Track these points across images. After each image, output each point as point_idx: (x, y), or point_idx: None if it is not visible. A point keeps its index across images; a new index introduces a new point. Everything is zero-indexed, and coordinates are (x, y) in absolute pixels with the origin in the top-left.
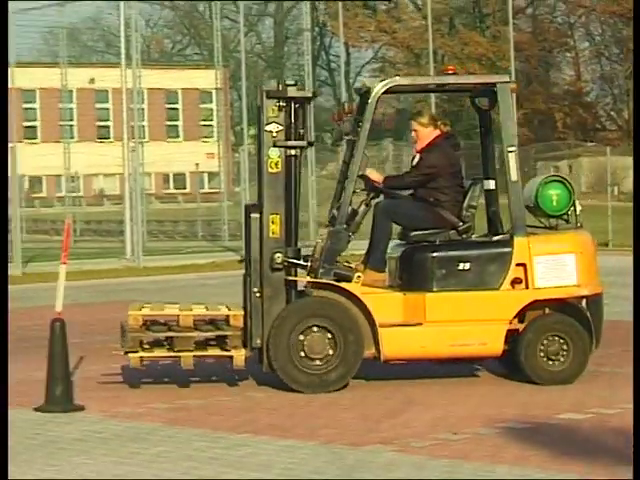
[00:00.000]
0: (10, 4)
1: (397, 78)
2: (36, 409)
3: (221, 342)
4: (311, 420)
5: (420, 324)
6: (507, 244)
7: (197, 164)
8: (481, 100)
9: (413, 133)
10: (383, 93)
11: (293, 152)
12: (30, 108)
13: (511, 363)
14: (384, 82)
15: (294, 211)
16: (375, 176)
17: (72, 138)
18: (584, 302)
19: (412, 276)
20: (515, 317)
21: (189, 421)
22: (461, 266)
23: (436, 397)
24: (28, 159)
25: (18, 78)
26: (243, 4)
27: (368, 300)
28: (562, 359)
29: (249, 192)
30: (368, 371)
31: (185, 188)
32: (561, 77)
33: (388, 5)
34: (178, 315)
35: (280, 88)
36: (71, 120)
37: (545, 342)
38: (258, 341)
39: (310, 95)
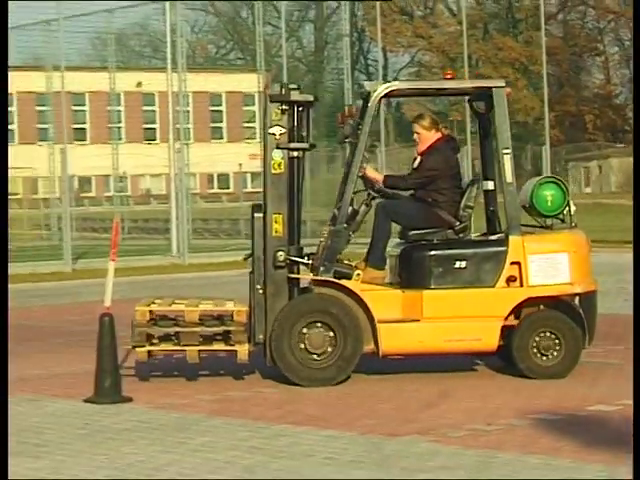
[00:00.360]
0: (59, 10)
1: (396, 82)
2: (85, 400)
3: (226, 337)
4: (350, 411)
5: (418, 320)
6: (502, 243)
7: (240, 164)
8: (478, 104)
9: (415, 136)
10: (383, 97)
11: (295, 154)
12: (80, 111)
13: (506, 358)
14: (384, 86)
15: (296, 211)
16: (374, 174)
17: (120, 140)
18: (577, 299)
19: (410, 274)
20: (510, 314)
21: (232, 412)
22: (458, 264)
23: (470, 390)
24: (78, 160)
25: (68, 82)
26: (285, 10)
27: (367, 297)
28: (554, 354)
29: None
30: (403, 365)
31: (229, 188)
32: (591, 80)
33: (424, 11)
34: (184, 310)
35: (283, 92)
36: (119, 122)
37: (537, 338)
38: (261, 336)
39: (312, 99)
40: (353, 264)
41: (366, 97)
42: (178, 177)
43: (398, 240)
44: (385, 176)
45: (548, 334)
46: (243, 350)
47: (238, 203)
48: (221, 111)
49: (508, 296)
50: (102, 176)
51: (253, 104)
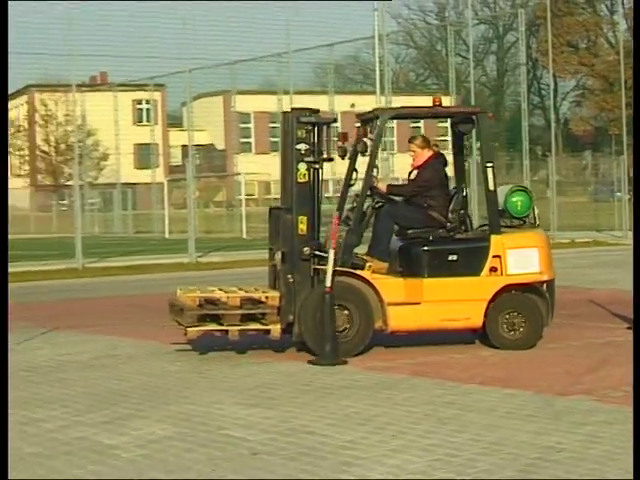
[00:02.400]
0: (289, 44)
1: (400, 107)
2: (309, 362)
3: (261, 318)
4: (525, 374)
5: (418, 303)
6: (486, 240)
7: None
8: (463, 126)
9: (411, 153)
10: (390, 118)
11: (316, 165)
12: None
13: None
14: (390, 111)
15: (317, 213)
16: (381, 186)
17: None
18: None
19: (411, 265)
20: (493, 297)
21: (429, 373)
22: (450, 257)
23: (626, 357)
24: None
25: (295, 103)
26: (472, 43)
27: (378, 284)
28: (520, 330)
29: (477, 194)
30: (571, 336)
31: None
32: None
33: (587, 44)
34: (228, 296)
35: (307, 115)
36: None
37: (507, 316)
38: (291, 317)
39: (330, 121)
40: (365, 257)
41: (372, 119)
42: (385, 180)
43: (395, 237)
44: (388, 185)
45: (515, 313)
46: (276, 329)
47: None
48: (419, 127)
49: (491, 283)
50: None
51: (446, 121)
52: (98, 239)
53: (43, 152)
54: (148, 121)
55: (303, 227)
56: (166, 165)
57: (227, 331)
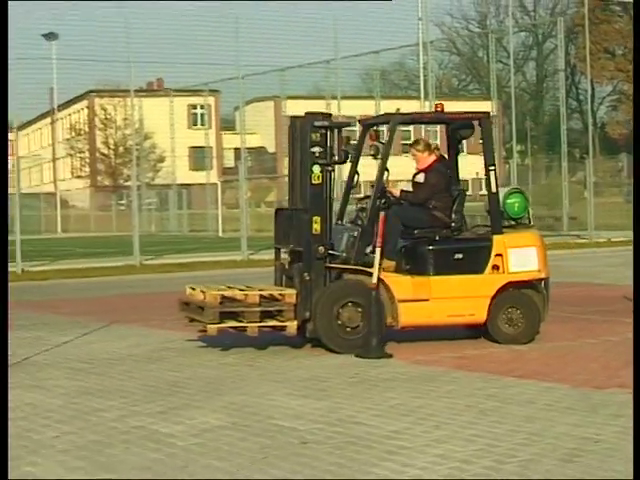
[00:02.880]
0: (337, 51)
1: (408, 113)
2: (356, 355)
3: (277, 315)
4: (564, 368)
5: (427, 300)
6: (489, 239)
7: (477, 172)
8: (463, 130)
9: (412, 157)
10: (399, 123)
11: (329, 168)
12: (352, 130)
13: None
14: (399, 116)
15: (329, 213)
16: (395, 191)
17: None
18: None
19: (419, 263)
20: (495, 294)
21: (470, 367)
22: (455, 256)
23: None
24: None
25: (342, 108)
26: (512, 50)
27: (389, 281)
28: (519, 325)
29: None
30: (609, 331)
31: (468, 190)
32: None
33: (624, 50)
34: (247, 294)
35: (322, 120)
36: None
37: (507, 312)
38: (307, 314)
39: (345, 125)
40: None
41: (369, 124)
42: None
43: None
44: (401, 191)
45: (515, 309)
46: (292, 325)
47: (475, 203)
48: (435, 130)
49: (494, 280)
50: (369, 181)
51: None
52: (155, 237)
53: (103, 154)
54: (202, 125)
55: (317, 227)
56: (219, 167)
57: (245, 328)
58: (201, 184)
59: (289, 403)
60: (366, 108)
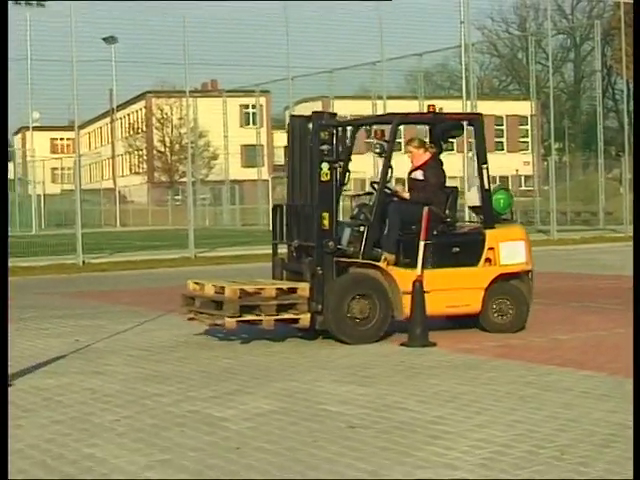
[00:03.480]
0: (383, 53)
1: (406, 113)
2: (401, 344)
3: (291, 308)
4: (600, 357)
5: (428, 292)
6: (482, 234)
7: (517, 170)
8: (452, 130)
9: (409, 154)
10: (397, 124)
11: (336, 165)
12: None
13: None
14: (399, 117)
15: (336, 209)
16: (404, 194)
17: None
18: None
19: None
20: (488, 286)
21: (511, 355)
22: (452, 250)
23: None
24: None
25: (388, 108)
26: (551, 52)
27: (395, 274)
28: (508, 314)
29: (555, 191)
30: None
31: (511, 186)
32: None
33: None
34: (263, 288)
35: (329, 119)
36: (425, 137)
37: (498, 303)
38: (319, 306)
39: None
40: (379, 250)
41: (361, 123)
42: (470, 178)
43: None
44: (410, 192)
45: (505, 300)
46: (306, 318)
47: (515, 199)
48: (502, 129)
49: (487, 272)
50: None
51: (526, 124)
52: (208, 231)
53: (159, 152)
54: (254, 124)
55: (326, 222)
56: (270, 164)
57: (260, 321)
58: (252, 180)
59: (337, 389)
60: (410, 108)
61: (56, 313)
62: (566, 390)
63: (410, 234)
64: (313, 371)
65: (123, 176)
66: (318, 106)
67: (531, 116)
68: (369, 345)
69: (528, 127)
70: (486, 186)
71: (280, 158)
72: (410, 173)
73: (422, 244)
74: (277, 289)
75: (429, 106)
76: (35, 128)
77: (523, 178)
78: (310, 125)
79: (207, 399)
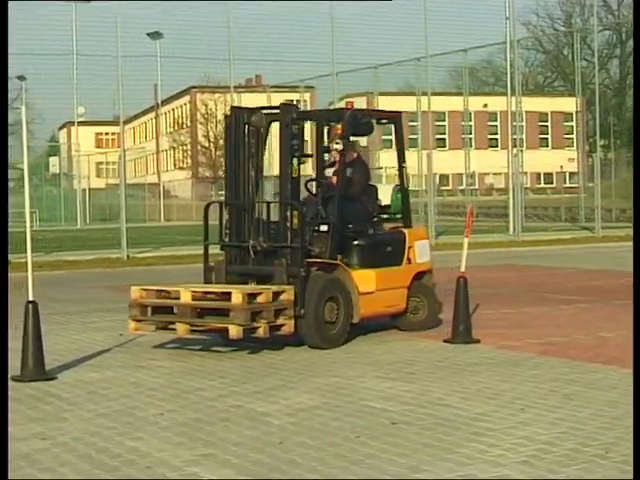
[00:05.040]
0: (428, 49)
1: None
2: (445, 341)
3: (281, 314)
4: None
5: (373, 292)
6: (403, 233)
7: (561, 166)
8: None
9: (333, 153)
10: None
11: (302, 161)
12: (441, 125)
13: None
14: (349, 115)
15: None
16: (333, 179)
17: (470, 147)
18: None
19: (363, 257)
20: (409, 285)
21: (554, 352)
22: (387, 249)
23: None
24: (439, 162)
25: (432, 104)
26: (597, 48)
27: (355, 275)
28: (420, 312)
29: (600, 188)
30: None
31: (552, 184)
32: None
33: None
34: (260, 291)
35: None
36: (470, 134)
37: (412, 301)
38: (302, 311)
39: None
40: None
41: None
42: (514, 175)
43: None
44: (337, 181)
45: (418, 298)
46: (291, 324)
47: (559, 195)
48: (547, 126)
49: (409, 271)
50: (457, 174)
51: (571, 120)
52: None
53: (203, 147)
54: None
55: (296, 221)
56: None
57: (255, 328)
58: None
59: (379, 385)
60: (455, 103)
61: (101, 307)
62: (611, 388)
63: (352, 233)
64: (356, 367)
65: (167, 171)
66: (362, 102)
67: (576, 112)
68: (412, 341)
69: (573, 124)
70: (405, 185)
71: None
72: (334, 172)
73: (465, 241)
74: (273, 292)
75: (346, 103)
76: (80, 123)
77: (568, 175)
78: (252, 118)
79: (250, 394)
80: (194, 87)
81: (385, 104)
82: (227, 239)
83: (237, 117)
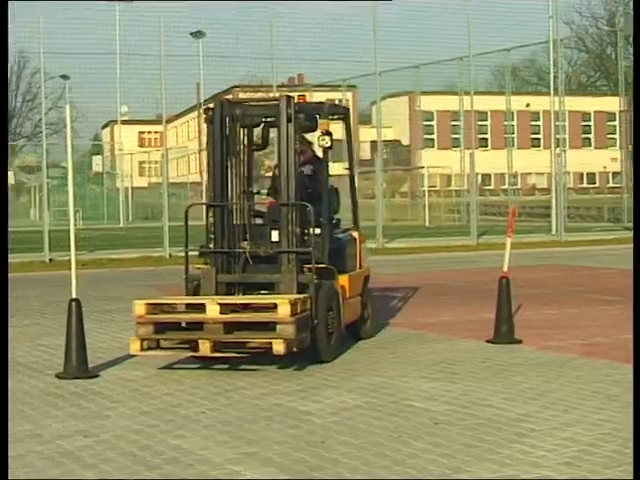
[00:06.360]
0: (472, 48)
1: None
2: (487, 341)
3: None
4: None
5: (350, 298)
6: (355, 237)
7: (604, 166)
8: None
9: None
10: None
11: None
12: (483, 125)
13: None
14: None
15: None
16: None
17: (513, 146)
18: None
19: (339, 261)
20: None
21: (598, 353)
22: (349, 252)
23: None
24: (481, 161)
25: (475, 103)
26: None
27: (342, 281)
28: (368, 318)
29: None
30: None
31: (595, 183)
32: None
33: None
34: (278, 303)
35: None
36: (512, 133)
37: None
38: (316, 321)
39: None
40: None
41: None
42: (557, 175)
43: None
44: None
45: (366, 305)
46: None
47: (602, 195)
48: (590, 125)
49: (361, 276)
50: (499, 174)
51: (614, 120)
52: None
53: None
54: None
55: (307, 224)
56: (356, 159)
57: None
58: (339, 175)
59: (422, 385)
60: (497, 103)
61: None
62: None
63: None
64: (399, 366)
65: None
66: (404, 101)
67: (619, 112)
68: (455, 341)
69: (616, 123)
70: (356, 185)
71: (366, 153)
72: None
73: (508, 240)
74: (291, 304)
75: (299, 97)
76: (123, 122)
77: (611, 175)
78: (237, 111)
79: (292, 393)
80: (236, 86)
81: (427, 103)
82: (212, 245)
83: (222, 110)
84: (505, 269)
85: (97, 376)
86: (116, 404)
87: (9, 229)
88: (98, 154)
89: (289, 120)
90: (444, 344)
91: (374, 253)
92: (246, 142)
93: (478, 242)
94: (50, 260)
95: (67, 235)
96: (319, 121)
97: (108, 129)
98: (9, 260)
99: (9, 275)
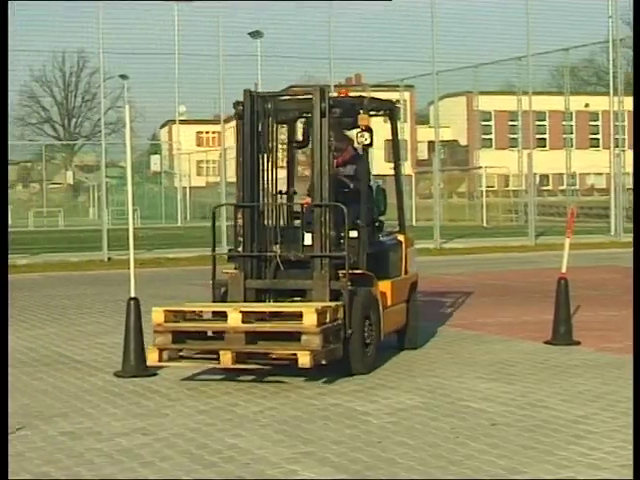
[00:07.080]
0: (530, 48)
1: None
2: (545, 342)
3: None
4: None
5: (391, 306)
6: (400, 240)
7: None
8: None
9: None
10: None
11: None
12: (541, 125)
13: None
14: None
15: None
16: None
17: (571, 146)
18: None
19: (380, 266)
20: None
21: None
22: (393, 257)
23: None
24: (539, 162)
25: (533, 103)
26: None
27: (382, 287)
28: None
29: None
30: None
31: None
32: None
33: None
34: (303, 312)
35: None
36: (571, 133)
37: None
38: (350, 331)
39: None
40: None
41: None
42: (617, 175)
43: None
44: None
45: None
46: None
47: None
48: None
49: (407, 283)
50: (557, 174)
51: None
52: None
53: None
54: (398, 119)
55: (342, 227)
56: (414, 159)
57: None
58: (389, 175)
59: (479, 386)
60: (555, 103)
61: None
62: None
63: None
64: (456, 367)
65: None
66: (462, 101)
67: None
68: (512, 342)
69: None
70: (400, 185)
71: (424, 153)
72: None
73: (567, 241)
74: (318, 313)
75: (340, 91)
76: (181, 122)
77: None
78: (269, 105)
79: (349, 393)
80: (294, 86)
81: (485, 103)
82: (241, 248)
83: (252, 104)
84: (563, 270)
85: (155, 374)
86: (174, 402)
87: (67, 228)
88: (156, 153)
89: (323, 115)
90: (501, 345)
91: (431, 254)
92: (281, 139)
93: (536, 243)
94: (109, 259)
95: (125, 234)
96: (359, 117)
97: (166, 129)
98: (68, 258)
99: (68, 274)
